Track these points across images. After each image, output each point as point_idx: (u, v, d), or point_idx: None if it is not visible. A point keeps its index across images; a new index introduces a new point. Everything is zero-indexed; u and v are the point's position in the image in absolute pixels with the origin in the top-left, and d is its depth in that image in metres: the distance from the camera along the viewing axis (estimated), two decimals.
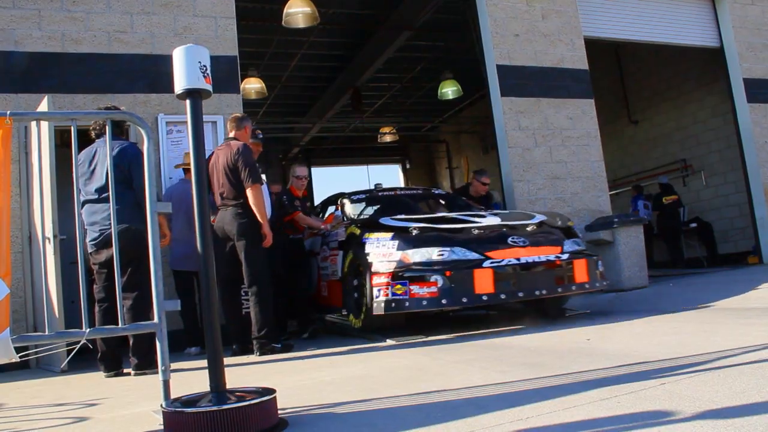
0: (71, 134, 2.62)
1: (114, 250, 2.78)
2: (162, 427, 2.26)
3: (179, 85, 2.40)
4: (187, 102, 2.43)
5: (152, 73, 5.91)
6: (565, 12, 7.99)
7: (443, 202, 6.86)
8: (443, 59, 11.58)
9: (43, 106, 4.94)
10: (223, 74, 6.01)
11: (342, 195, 6.99)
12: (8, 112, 2.39)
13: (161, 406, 2.29)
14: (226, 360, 2.51)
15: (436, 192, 7.48)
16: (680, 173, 11.34)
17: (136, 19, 6.02)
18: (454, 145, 16.58)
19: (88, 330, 2.48)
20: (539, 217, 5.42)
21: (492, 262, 4.56)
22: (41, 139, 4.49)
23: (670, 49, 9.63)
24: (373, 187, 6.80)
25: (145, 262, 2.86)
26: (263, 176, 5.01)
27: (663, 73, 11.34)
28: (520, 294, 4.60)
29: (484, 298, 4.47)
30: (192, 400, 2.31)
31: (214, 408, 2.15)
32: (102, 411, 3.00)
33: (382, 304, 4.54)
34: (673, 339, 3.36)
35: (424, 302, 4.43)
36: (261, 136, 5.36)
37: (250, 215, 4.63)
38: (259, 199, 4.64)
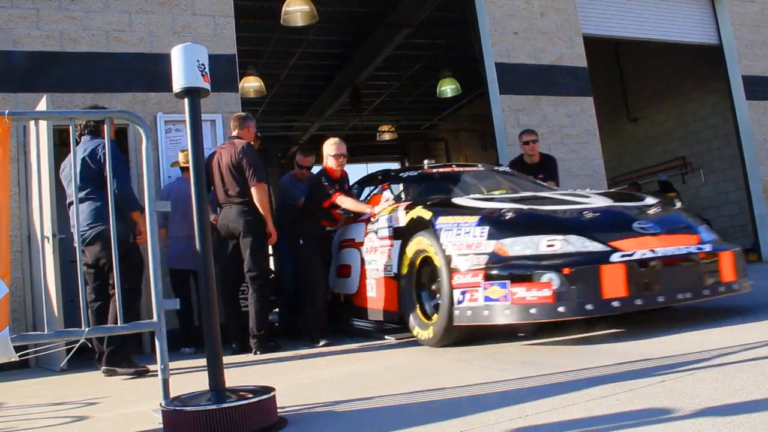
0: (69, 133, 2.62)
1: (100, 249, 2.75)
2: (161, 425, 2.26)
3: (177, 83, 2.40)
4: (186, 101, 2.43)
5: (151, 72, 5.91)
6: (564, 10, 7.99)
7: (514, 181, 5.43)
8: (442, 57, 11.57)
9: (42, 106, 4.93)
10: (222, 73, 6.00)
11: (386, 173, 5.98)
12: (6, 112, 2.39)
13: (160, 404, 2.29)
14: (225, 358, 2.51)
15: (500, 169, 5.93)
16: (679, 170, 11.35)
17: (134, 18, 6.02)
18: (453, 143, 16.58)
19: (87, 329, 2.48)
20: (650, 198, 4.40)
21: (622, 256, 3.45)
22: (40, 138, 4.48)
23: (669, 46, 9.62)
24: (423, 165, 5.67)
25: (126, 261, 2.83)
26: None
27: (662, 70, 11.34)
28: (660, 299, 3.49)
29: (615, 304, 3.36)
30: (191, 399, 2.31)
31: (214, 406, 2.16)
32: (101, 410, 3.00)
33: (469, 312, 3.53)
34: (674, 338, 3.36)
35: (533, 310, 3.34)
36: (259, 134, 5.38)
37: (255, 213, 4.68)
38: (263, 197, 4.69)
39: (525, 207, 3.96)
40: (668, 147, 11.60)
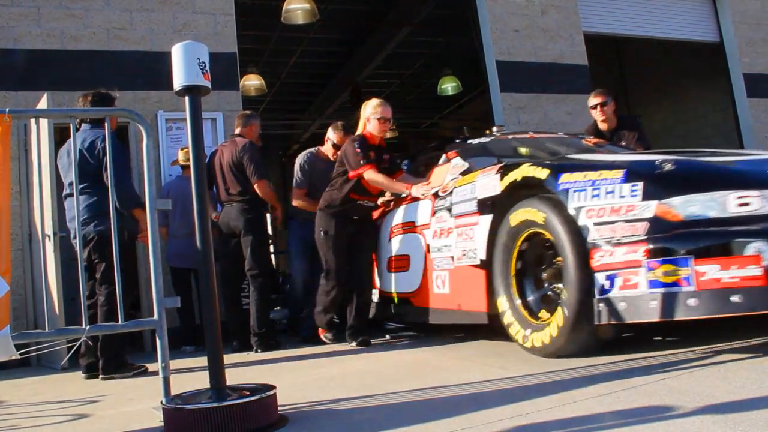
0: (70, 131, 2.62)
1: (114, 245, 2.75)
2: (162, 423, 2.27)
3: (178, 81, 2.40)
4: (186, 99, 2.43)
5: (151, 70, 5.90)
6: (564, 7, 7.98)
7: (613, 150, 4.44)
8: (443, 55, 11.56)
9: (43, 104, 4.93)
10: (223, 71, 6.00)
11: (447, 140, 4.89)
12: (7, 110, 2.39)
13: (161, 402, 2.29)
14: (226, 357, 2.51)
15: (585, 137, 4.97)
16: None
17: (135, 16, 6.02)
18: None
19: (87, 327, 2.48)
20: None
21: None
22: (40, 136, 4.48)
23: (670, 44, 9.61)
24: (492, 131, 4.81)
25: (119, 257, 2.80)
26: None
27: (663, 68, 11.32)
28: None
29: None
30: (192, 397, 2.32)
31: (214, 405, 2.16)
32: (102, 408, 3.01)
33: (622, 305, 2.60)
34: (675, 335, 3.35)
35: (736, 297, 2.40)
36: (260, 132, 5.39)
37: (256, 211, 4.69)
38: (267, 192, 4.72)
39: (682, 158, 3.00)
40: (669, 144, 11.58)
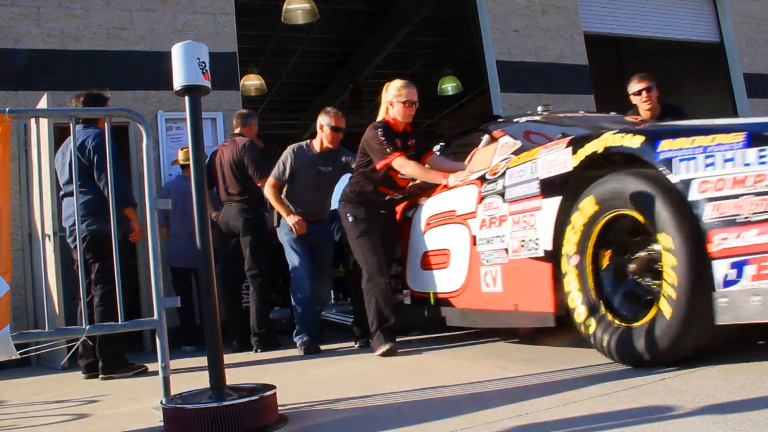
0: (70, 131, 2.62)
1: (114, 245, 2.75)
2: (162, 423, 2.27)
3: (178, 81, 2.40)
4: (186, 99, 2.43)
5: (151, 70, 5.91)
6: (564, 7, 7.98)
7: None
8: (443, 55, 11.56)
9: (43, 104, 4.94)
10: (223, 71, 6.01)
11: (489, 118, 4.46)
12: (7, 109, 2.39)
13: (161, 402, 2.29)
14: (226, 356, 2.51)
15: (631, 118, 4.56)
16: None
17: (135, 16, 6.02)
18: None
19: (87, 327, 2.48)
20: None
21: None
22: (40, 136, 4.49)
23: (670, 44, 9.61)
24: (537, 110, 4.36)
25: (111, 259, 2.80)
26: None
27: (663, 68, 11.31)
28: None
29: None
30: (192, 397, 2.32)
31: (214, 404, 2.16)
32: (102, 408, 3.01)
33: (756, 300, 2.09)
34: None
35: None
36: (261, 134, 5.40)
37: (255, 211, 4.69)
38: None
39: None
40: None
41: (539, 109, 4.33)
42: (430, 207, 3.92)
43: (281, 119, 14.63)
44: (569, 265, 2.71)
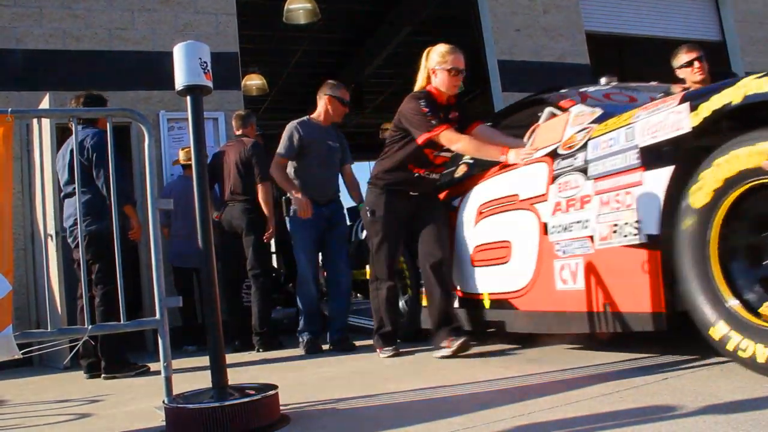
0: (72, 131, 2.63)
1: (115, 243, 2.75)
2: (164, 423, 2.27)
3: (180, 81, 2.40)
4: (188, 99, 2.43)
5: (153, 70, 5.92)
6: (566, 6, 7.98)
7: None
8: None
9: (45, 104, 4.94)
10: (224, 71, 6.01)
11: (551, 89, 3.63)
12: (9, 110, 2.39)
13: (163, 402, 2.29)
14: (228, 356, 2.51)
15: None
16: None
17: (137, 16, 6.03)
18: None
19: (90, 326, 2.49)
20: None
21: None
22: (42, 136, 4.50)
23: (671, 43, 9.59)
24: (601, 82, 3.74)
25: (108, 258, 2.81)
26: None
27: (664, 67, 11.29)
28: None
29: None
30: (194, 396, 2.32)
31: (216, 404, 2.16)
32: (104, 407, 3.01)
33: None
34: (676, 335, 3.35)
35: None
36: (260, 132, 5.41)
37: (257, 211, 4.70)
38: (268, 197, 4.68)
39: None
40: None
41: (602, 81, 3.72)
42: (481, 193, 3.38)
43: (282, 119, 14.53)
44: (684, 250, 2.16)
